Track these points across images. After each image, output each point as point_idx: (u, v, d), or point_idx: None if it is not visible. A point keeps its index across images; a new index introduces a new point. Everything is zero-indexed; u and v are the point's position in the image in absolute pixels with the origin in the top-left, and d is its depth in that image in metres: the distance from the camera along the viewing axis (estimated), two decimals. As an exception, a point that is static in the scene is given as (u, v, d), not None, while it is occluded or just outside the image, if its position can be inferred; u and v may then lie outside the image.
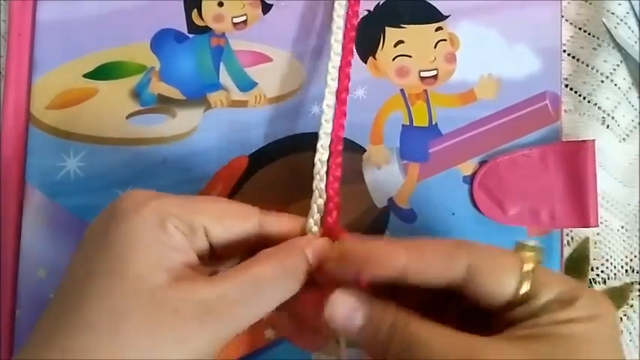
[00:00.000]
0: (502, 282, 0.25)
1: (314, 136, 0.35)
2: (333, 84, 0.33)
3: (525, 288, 0.25)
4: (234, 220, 0.28)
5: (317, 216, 0.31)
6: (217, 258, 0.29)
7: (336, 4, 0.35)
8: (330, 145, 0.32)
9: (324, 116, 0.32)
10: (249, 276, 0.26)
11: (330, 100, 0.33)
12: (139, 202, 0.27)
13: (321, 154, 0.32)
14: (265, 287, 0.26)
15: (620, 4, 0.38)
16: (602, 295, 0.26)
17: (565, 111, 0.38)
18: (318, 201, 0.31)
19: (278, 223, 0.29)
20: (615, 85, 0.38)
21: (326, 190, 0.31)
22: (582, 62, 0.38)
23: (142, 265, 0.25)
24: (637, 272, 0.37)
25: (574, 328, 0.24)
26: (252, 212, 0.29)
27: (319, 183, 0.31)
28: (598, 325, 0.25)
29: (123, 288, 0.25)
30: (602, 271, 0.37)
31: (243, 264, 0.27)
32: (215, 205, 0.29)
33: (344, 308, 0.26)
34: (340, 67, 0.33)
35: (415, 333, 0.25)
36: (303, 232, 0.30)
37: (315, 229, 0.30)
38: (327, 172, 0.32)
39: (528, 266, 0.25)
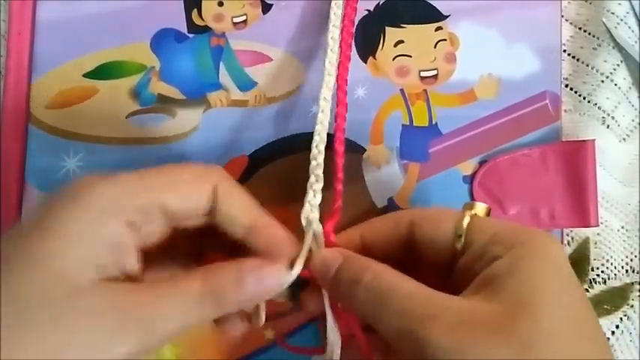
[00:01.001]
0: (439, 229, 0.27)
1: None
2: (329, 79, 0.33)
3: (461, 232, 0.26)
4: (190, 185, 0.26)
5: (315, 201, 0.30)
6: (177, 246, 0.27)
7: (332, 3, 0.35)
8: (334, 143, 0.32)
9: (321, 107, 0.32)
10: (173, 290, 0.25)
11: (326, 93, 0.32)
12: (86, 187, 0.24)
13: (317, 142, 0.31)
14: (189, 305, 0.25)
15: (620, 4, 0.38)
16: (546, 235, 0.26)
17: (565, 111, 0.37)
18: (314, 186, 0.30)
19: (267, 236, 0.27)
20: (615, 85, 0.38)
21: (335, 192, 0.31)
22: (582, 62, 0.38)
23: (68, 260, 0.23)
24: (637, 272, 0.37)
25: (512, 268, 0.24)
26: (207, 176, 0.27)
27: (316, 168, 0.31)
28: (541, 264, 0.24)
29: (41, 279, 0.23)
30: (602, 271, 0.37)
31: (180, 276, 0.25)
32: (169, 173, 0.26)
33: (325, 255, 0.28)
34: (340, 61, 0.33)
35: (388, 280, 0.25)
36: (298, 225, 0.29)
37: (313, 215, 0.29)
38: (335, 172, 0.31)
39: (467, 218, 0.26)
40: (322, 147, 0.31)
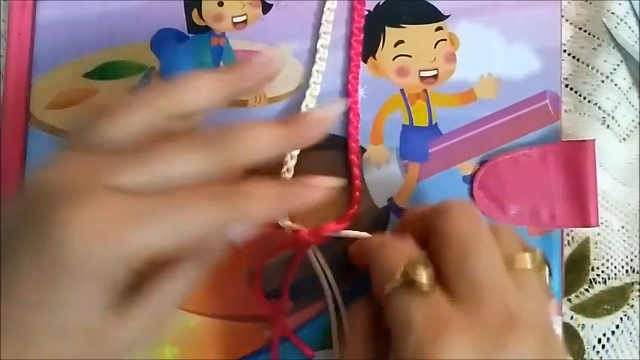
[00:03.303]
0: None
1: (314, 136, 0.35)
2: (315, 87, 0.35)
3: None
4: None
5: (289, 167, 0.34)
6: None
7: (325, 9, 0.35)
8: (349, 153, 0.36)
9: None
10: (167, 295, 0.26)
11: (310, 101, 0.35)
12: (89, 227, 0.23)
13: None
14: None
15: (620, 4, 0.38)
16: None
17: (565, 111, 0.38)
18: (286, 174, 0.34)
19: None
20: (615, 85, 0.38)
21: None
22: (582, 62, 0.38)
23: (86, 317, 0.24)
24: (637, 272, 0.37)
25: None
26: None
27: (289, 161, 0.35)
28: None
29: (77, 342, 0.24)
30: (602, 271, 0.37)
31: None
32: None
33: None
34: (349, 69, 0.36)
35: None
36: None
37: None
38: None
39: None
40: (296, 152, 0.35)
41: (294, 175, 0.34)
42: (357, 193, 0.35)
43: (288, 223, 0.33)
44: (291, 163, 0.34)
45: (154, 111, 0.26)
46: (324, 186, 0.28)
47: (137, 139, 0.25)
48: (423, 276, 0.26)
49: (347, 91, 0.36)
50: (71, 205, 0.22)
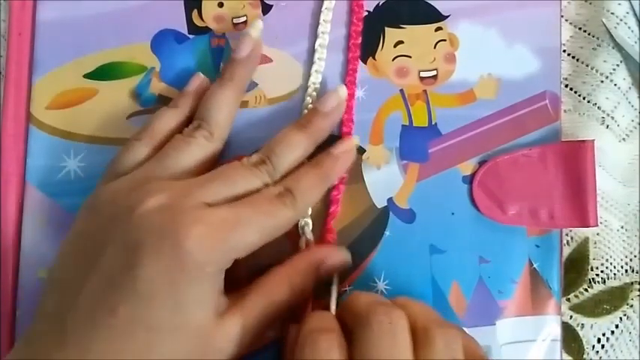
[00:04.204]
0: None
1: (314, 137, 0.35)
2: (314, 87, 0.35)
3: None
4: None
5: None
6: None
7: (323, 8, 0.35)
8: None
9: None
10: (265, 305, 0.30)
11: (310, 102, 0.35)
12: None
13: None
14: (279, 311, 0.30)
15: (620, 4, 0.38)
16: None
17: (565, 111, 0.38)
18: None
19: None
20: (615, 85, 0.38)
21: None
22: (582, 62, 0.38)
23: (199, 315, 0.28)
24: (637, 272, 0.37)
25: None
26: None
27: None
28: None
29: (188, 341, 0.27)
30: (601, 271, 0.37)
31: (261, 288, 0.30)
32: None
33: None
34: (346, 72, 0.36)
35: None
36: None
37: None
38: None
39: None
40: None
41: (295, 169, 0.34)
42: (337, 194, 0.35)
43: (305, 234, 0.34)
44: None
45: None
46: (348, 150, 0.34)
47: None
48: None
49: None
50: (185, 221, 0.27)
